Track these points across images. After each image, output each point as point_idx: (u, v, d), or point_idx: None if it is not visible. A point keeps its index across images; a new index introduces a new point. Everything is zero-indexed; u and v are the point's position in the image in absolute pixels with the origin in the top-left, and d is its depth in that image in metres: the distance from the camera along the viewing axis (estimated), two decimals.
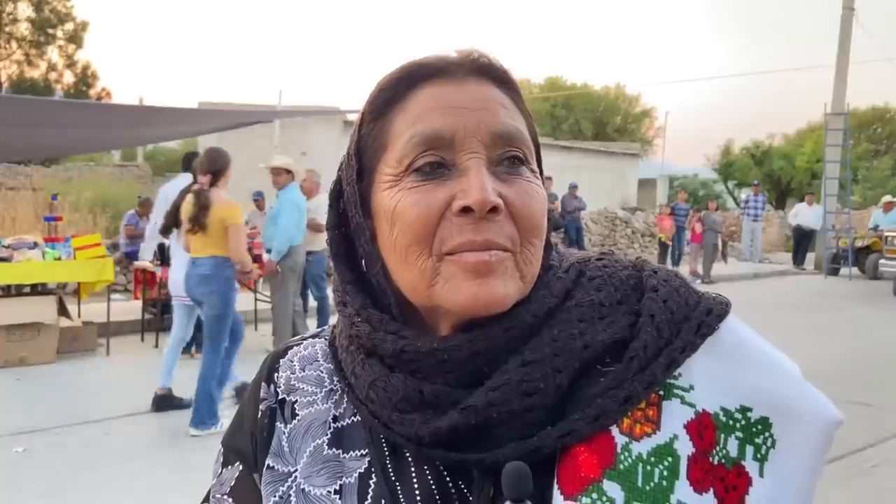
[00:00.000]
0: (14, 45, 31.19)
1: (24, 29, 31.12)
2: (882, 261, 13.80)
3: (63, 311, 7.28)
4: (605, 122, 39.51)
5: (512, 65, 0.68)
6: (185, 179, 7.12)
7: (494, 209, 0.60)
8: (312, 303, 8.45)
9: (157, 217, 6.93)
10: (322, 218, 8.12)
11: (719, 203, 22.05)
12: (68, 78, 32.06)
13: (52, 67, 31.94)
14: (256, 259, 8.05)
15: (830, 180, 17.58)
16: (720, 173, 39.03)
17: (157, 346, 7.57)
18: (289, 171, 7.28)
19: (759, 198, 18.96)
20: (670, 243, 16.32)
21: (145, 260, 7.43)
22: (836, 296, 13.33)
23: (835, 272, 16.62)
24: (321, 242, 8.34)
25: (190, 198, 5.10)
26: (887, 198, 17.13)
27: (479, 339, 0.62)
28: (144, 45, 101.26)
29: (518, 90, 0.69)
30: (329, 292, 8.45)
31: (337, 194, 0.71)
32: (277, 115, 12.59)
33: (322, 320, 7.95)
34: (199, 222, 4.94)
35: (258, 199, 11.59)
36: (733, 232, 20.98)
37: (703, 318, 0.63)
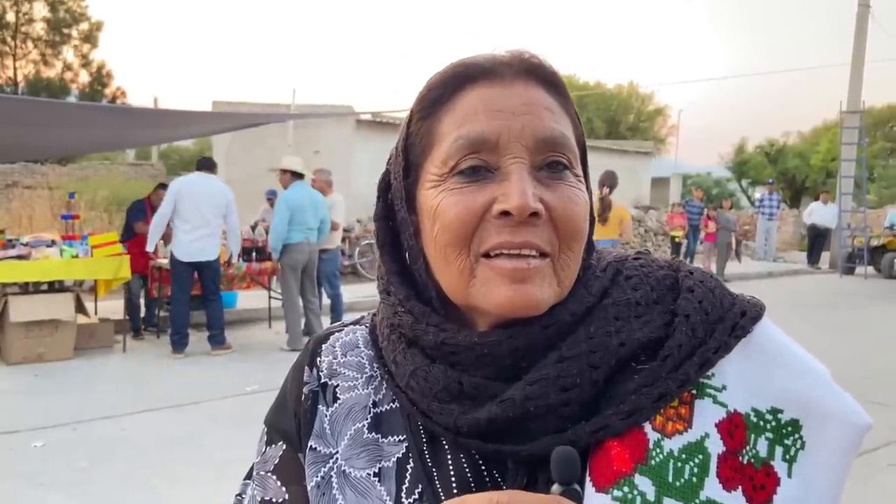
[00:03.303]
0: (30, 44, 31.46)
1: (39, 29, 31.40)
2: None
3: (80, 308, 7.35)
4: (618, 120, 39.39)
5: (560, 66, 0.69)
6: (199, 177, 7.20)
7: (534, 214, 0.61)
8: (326, 300, 8.47)
9: (167, 208, 7.00)
10: (336, 216, 8.17)
11: (733, 202, 21.93)
12: (83, 77, 32.33)
13: (67, 67, 32.21)
14: (268, 257, 8.12)
15: (846, 179, 17.44)
16: (734, 172, 38.85)
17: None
18: (294, 173, 7.34)
19: (774, 196, 18.83)
20: (683, 241, 16.20)
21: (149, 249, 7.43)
22: (851, 295, 13.23)
23: (850, 271, 16.49)
24: (335, 241, 8.39)
25: None
26: None
27: (519, 336, 0.63)
28: (159, 44, 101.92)
29: (567, 94, 0.69)
30: (342, 290, 8.50)
31: (385, 186, 0.73)
32: (289, 116, 12.63)
33: (335, 318, 7.99)
34: None
35: (271, 198, 11.67)
36: (748, 231, 20.85)
37: (738, 319, 0.64)
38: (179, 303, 7.19)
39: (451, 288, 0.66)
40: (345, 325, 0.81)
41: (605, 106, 38.76)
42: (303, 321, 7.68)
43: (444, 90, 0.67)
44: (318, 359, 0.77)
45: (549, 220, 0.63)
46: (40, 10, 31.01)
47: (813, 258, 17.88)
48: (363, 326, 0.80)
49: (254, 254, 8.32)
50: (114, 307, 8.23)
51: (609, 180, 8.12)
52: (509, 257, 0.62)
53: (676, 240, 15.93)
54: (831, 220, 17.35)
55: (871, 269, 16.01)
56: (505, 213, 0.61)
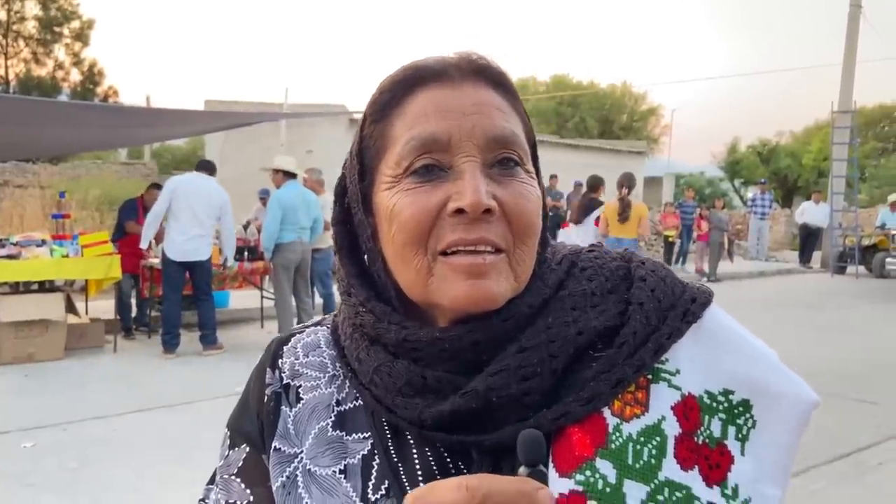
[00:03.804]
0: (21, 43, 31.32)
1: (31, 27, 31.25)
2: (889, 259, 13.78)
3: (71, 308, 7.31)
4: (612, 119, 39.48)
5: (511, 65, 0.71)
6: (196, 177, 7.18)
7: (488, 211, 0.63)
8: (319, 300, 8.46)
9: (162, 206, 6.98)
10: (328, 216, 8.16)
11: (725, 201, 22.01)
12: (75, 76, 32.20)
13: (59, 66, 32.07)
14: (260, 257, 8.10)
15: (837, 178, 17.53)
16: (726, 171, 39.00)
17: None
18: (286, 172, 7.33)
19: (766, 196, 18.90)
20: (676, 241, 16.25)
21: (142, 248, 7.41)
22: (842, 294, 13.29)
23: (841, 270, 16.57)
24: (327, 240, 8.37)
25: None
26: (894, 196, 17.07)
27: (479, 329, 0.64)
28: (151, 42, 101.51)
29: (515, 92, 0.71)
30: (335, 289, 8.49)
31: (342, 190, 0.74)
32: (282, 115, 12.62)
33: None
34: None
35: (264, 198, 11.66)
36: (740, 230, 20.92)
37: (689, 306, 0.66)
38: (171, 302, 7.18)
39: (409, 286, 0.67)
40: (306, 327, 0.82)
41: (598, 105, 38.85)
42: (295, 321, 7.67)
43: (395, 93, 0.68)
44: (280, 360, 0.78)
45: (503, 216, 0.64)
46: (32, 9, 30.89)
47: (804, 257, 17.96)
48: (324, 327, 0.81)
49: (246, 253, 8.30)
50: (105, 307, 8.19)
51: (627, 181, 8.43)
52: (465, 254, 0.63)
53: (670, 239, 15.95)
54: (823, 219, 17.43)
55: (862, 268, 16.09)
56: (459, 211, 0.63)
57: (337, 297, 8.42)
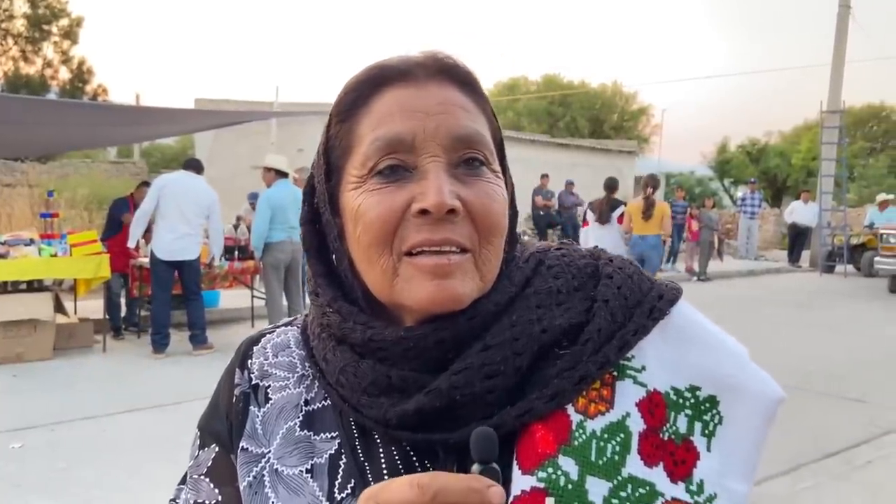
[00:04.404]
0: (10, 41, 31.09)
1: (19, 25, 31.01)
2: (877, 258, 13.82)
3: (59, 307, 7.26)
4: (602, 119, 39.55)
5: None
6: (184, 176, 7.15)
7: (452, 211, 0.62)
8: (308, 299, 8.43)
9: (150, 205, 6.94)
10: None
11: (715, 201, 22.09)
12: (64, 74, 31.96)
13: (47, 64, 31.83)
14: (250, 256, 8.08)
15: (826, 178, 17.63)
16: (716, 171, 39.14)
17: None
18: (278, 171, 7.31)
19: (756, 195, 18.98)
20: (667, 240, 16.28)
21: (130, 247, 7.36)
22: (831, 293, 13.37)
23: (830, 269, 16.68)
24: None
25: None
26: (882, 195, 17.17)
27: (444, 328, 0.64)
28: (140, 40, 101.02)
29: (482, 92, 0.70)
30: None
31: (311, 190, 0.74)
32: (273, 114, 12.57)
33: None
34: None
35: (253, 202, 11.63)
36: (730, 230, 21.01)
37: (656, 302, 0.67)
38: (160, 302, 7.14)
39: (375, 287, 0.67)
40: (277, 327, 0.82)
41: (589, 105, 38.90)
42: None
43: (361, 92, 0.68)
44: (250, 360, 0.79)
45: (468, 216, 0.64)
46: (20, 7, 30.66)
47: (794, 256, 18.06)
48: (294, 327, 0.81)
49: (236, 252, 8.26)
50: (94, 307, 8.14)
51: (652, 182, 9.26)
52: (430, 254, 0.63)
53: (662, 237, 16.00)
54: (812, 218, 17.53)
55: (850, 267, 16.19)
56: (423, 212, 0.62)
57: None
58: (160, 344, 7.10)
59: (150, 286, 7.32)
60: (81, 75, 32.10)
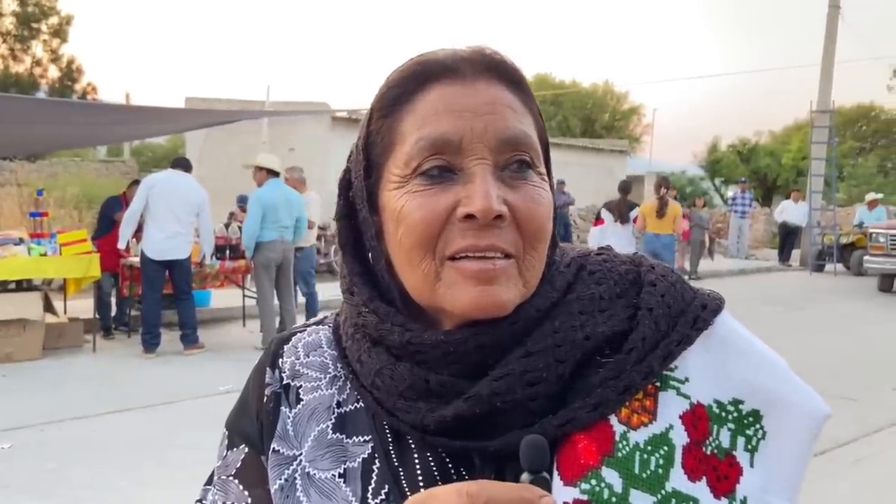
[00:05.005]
0: None
1: (8, 23, 30.80)
2: (866, 257, 13.89)
3: (49, 307, 7.22)
4: (594, 119, 39.61)
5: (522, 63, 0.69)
6: (173, 175, 7.12)
7: (499, 217, 0.61)
8: (301, 299, 8.41)
9: (139, 204, 6.91)
10: (311, 214, 8.11)
11: (706, 200, 22.16)
12: (53, 73, 31.75)
13: (36, 62, 31.61)
14: (241, 255, 8.05)
15: (816, 177, 17.69)
16: (707, 170, 39.22)
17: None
18: (269, 170, 7.28)
19: (746, 195, 19.04)
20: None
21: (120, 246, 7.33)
22: (821, 292, 13.44)
23: (820, 268, 16.75)
24: (310, 238, 8.33)
25: None
26: (872, 195, 17.27)
27: (485, 333, 0.63)
28: (131, 39, 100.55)
29: (528, 90, 0.69)
30: (317, 289, 8.45)
31: (346, 185, 0.71)
32: (264, 113, 12.52)
33: (310, 317, 7.91)
34: None
35: (242, 205, 11.59)
36: (720, 229, 21.07)
37: (699, 312, 0.65)
38: (151, 301, 7.11)
39: (416, 290, 0.65)
40: (307, 326, 0.80)
41: (580, 104, 38.93)
42: (278, 320, 7.63)
43: (405, 88, 0.66)
44: (280, 360, 0.76)
45: (514, 222, 0.62)
46: (9, 5, 30.44)
47: (784, 256, 18.12)
48: (326, 326, 0.79)
49: (227, 252, 8.23)
50: (84, 306, 8.10)
51: (665, 182, 9.95)
52: (475, 259, 0.61)
53: None
54: (802, 218, 17.59)
55: (840, 266, 16.26)
56: (469, 216, 0.61)
57: (320, 297, 8.42)
58: (151, 343, 7.07)
59: (141, 285, 7.28)
60: (71, 74, 31.89)
